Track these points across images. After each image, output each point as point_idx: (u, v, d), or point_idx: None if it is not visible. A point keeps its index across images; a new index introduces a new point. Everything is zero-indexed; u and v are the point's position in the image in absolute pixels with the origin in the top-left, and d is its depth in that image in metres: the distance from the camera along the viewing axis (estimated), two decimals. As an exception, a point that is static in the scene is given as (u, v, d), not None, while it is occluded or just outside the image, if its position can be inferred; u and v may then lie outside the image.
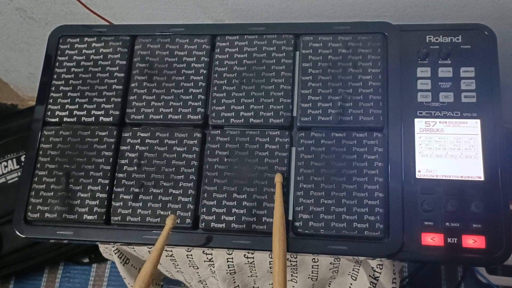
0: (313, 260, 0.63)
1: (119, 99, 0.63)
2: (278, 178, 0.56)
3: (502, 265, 0.93)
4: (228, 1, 0.78)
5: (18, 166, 1.07)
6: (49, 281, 1.19)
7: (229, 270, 0.67)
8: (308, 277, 0.67)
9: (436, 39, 0.60)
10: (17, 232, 0.61)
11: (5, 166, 1.07)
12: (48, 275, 1.19)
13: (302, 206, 0.56)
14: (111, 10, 0.85)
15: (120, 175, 0.61)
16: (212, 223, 0.57)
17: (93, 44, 0.66)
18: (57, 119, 0.64)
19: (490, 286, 0.96)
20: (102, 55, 0.66)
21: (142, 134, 0.62)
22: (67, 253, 1.16)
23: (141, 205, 0.59)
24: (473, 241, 0.53)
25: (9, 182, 1.07)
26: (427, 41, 0.60)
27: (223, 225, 0.57)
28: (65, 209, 0.60)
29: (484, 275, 0.96)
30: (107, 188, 0.60)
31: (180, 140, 0.61)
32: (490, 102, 0.57)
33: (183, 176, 0.60)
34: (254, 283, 0.73)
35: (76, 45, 0.67)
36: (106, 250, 0.74)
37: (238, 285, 0.73)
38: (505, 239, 0.53)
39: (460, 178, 0.55)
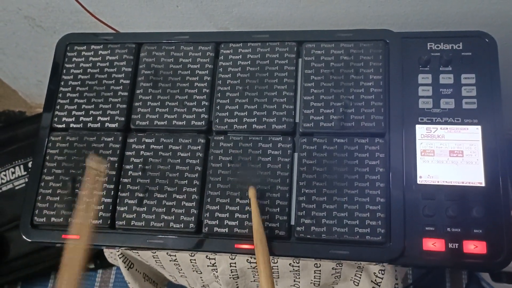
0: (316, 265, 0.63)
1: (124, 106, 0.64)
2: (252, 193, 0.57)
3: (506, 272, 0.92)
4: (233, 9, 0.79)
5: (26, 173, 1.09)
6: (55, 286, 1.20)
7: (232, 275, 0.67)
8: (311, 282, 0.68)
9: (437, 46, 0.61)
10: (23, 236, 0.62)
11: (13, 172, 1.08)
12: (54, 280, 1.20)
13: (304, 211, 0.57)
14: (118, 18, 0.86)
15: (125, 180, 0.62)
16: (215, 228, 0.58)
17: (100, 52, 0.68)
18: (63, 125, 0.65)
19: (495, 293, 0.96)
20: (108, 62, 0.67)
21: (146, 140, 0.63)
22: (73, 259, 1.17)
23: (145, 209, 0.60)
24: (474, 247, 0.54)
25: (17, 188, 1.08)
26: (428, 48, 0.61)
27: (226, 229, 0.58)
28: (71, 213, 0.61)
29: (488, 282, 0.96)
30: (112, 193, 0.61)
31: (184, 145, 0.62)
32: (490, 109, 0.58)
33: (187, 181, 0.60)
34: (258, 288, 0.73)
35: (83, 53, 0.68)
36: (111, 255, 0.75)
37: (242, 290, 0.73)
38: (506, 245, 0.53)
39: (461, 184, 0.56)
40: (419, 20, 0.76)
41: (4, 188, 1.08)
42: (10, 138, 1.14)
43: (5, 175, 1.08)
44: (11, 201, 1.08)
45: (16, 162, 1.10)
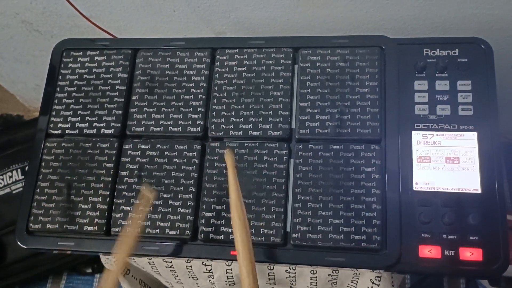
0: (312, 272, 0.63)
1: (120, 112, 0.64)
2: (229, 157, 0.55)
3: (504, 277, 0.92)
4: (230, 14, 0.79)
5: (23, 177, 1.08)
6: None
7: (229, 281, 0.67)
8: (307, 289, 0.68)
9: (433, 53, 0.61)
10: (19, 243, 0.62)
11: (10, 177, 1.08)
12: (51, 284, 1.19)
13: (300, 218, 0.57)
14: (115, 23, 0.86)
15: (121, 186, 0.62)
16: (211, 235, 0.58)
17: (96, 58, 0.67)
18: (59, 131, 0.65)
19: (493, 298, 0.96)
20: (104, 68, 0.67)
21: (142, 146, 0.63)
22: (70, 263, 1.16)
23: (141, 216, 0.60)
24: (470, 254, 0.53)
25: (14, 192, 1.07)
26: (424, 54, 0.61)
27: (222, 236, 0.58)
28: (66, 220, 0.61)
29: (486, 287, 0.96)
30: (108, 199, 0.61)
31: (180, 152, 0.62)
32: (487, 115, 0.58)
33: (182, 187, 0.60)
34: (254, 294, 0.73)
35: (79, 59, 0.68)
36: (108, 261, 0.74)
37: (238, 296, 0.73)
38: (502, 252, 0.53)
39: (457, 191, 0.56)
40: (416, 25, 0.76)
41: (1, 192, 1.08)
42: (8, 142, 1.14)
43: (2, 179, 1.08)
44: (9, 205, 1.07)
45: (14, 166, 1.10)
